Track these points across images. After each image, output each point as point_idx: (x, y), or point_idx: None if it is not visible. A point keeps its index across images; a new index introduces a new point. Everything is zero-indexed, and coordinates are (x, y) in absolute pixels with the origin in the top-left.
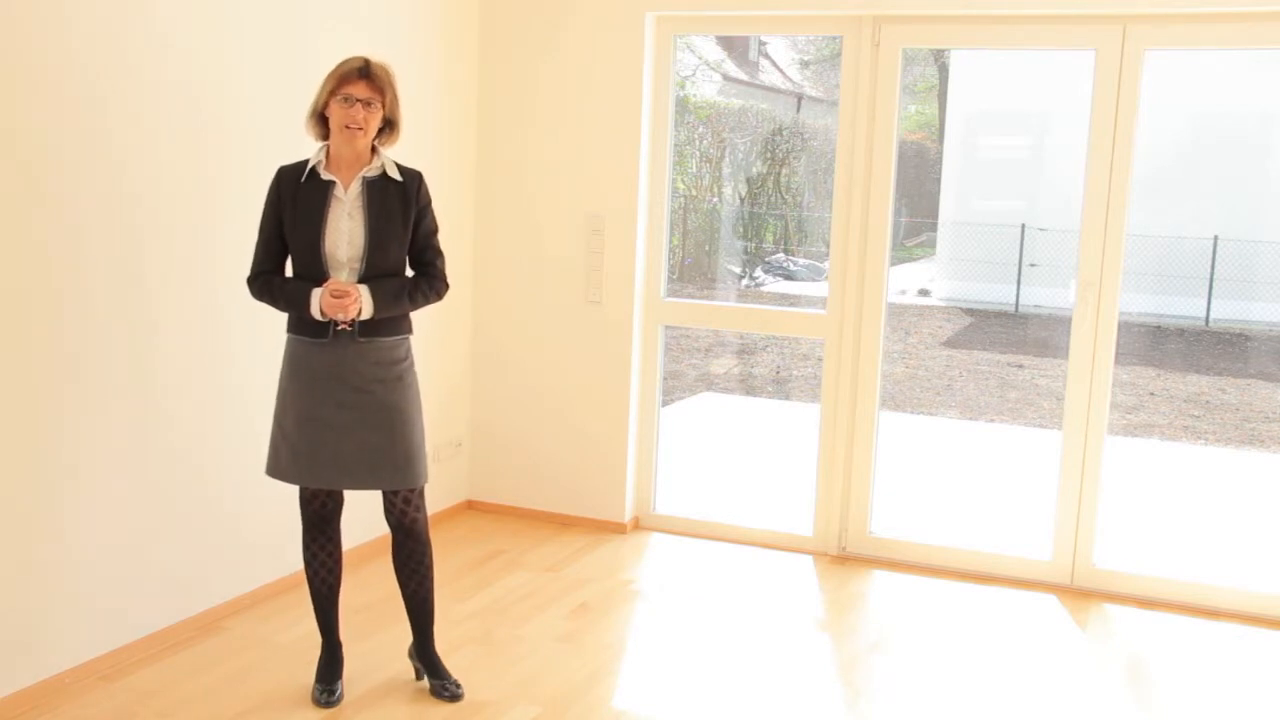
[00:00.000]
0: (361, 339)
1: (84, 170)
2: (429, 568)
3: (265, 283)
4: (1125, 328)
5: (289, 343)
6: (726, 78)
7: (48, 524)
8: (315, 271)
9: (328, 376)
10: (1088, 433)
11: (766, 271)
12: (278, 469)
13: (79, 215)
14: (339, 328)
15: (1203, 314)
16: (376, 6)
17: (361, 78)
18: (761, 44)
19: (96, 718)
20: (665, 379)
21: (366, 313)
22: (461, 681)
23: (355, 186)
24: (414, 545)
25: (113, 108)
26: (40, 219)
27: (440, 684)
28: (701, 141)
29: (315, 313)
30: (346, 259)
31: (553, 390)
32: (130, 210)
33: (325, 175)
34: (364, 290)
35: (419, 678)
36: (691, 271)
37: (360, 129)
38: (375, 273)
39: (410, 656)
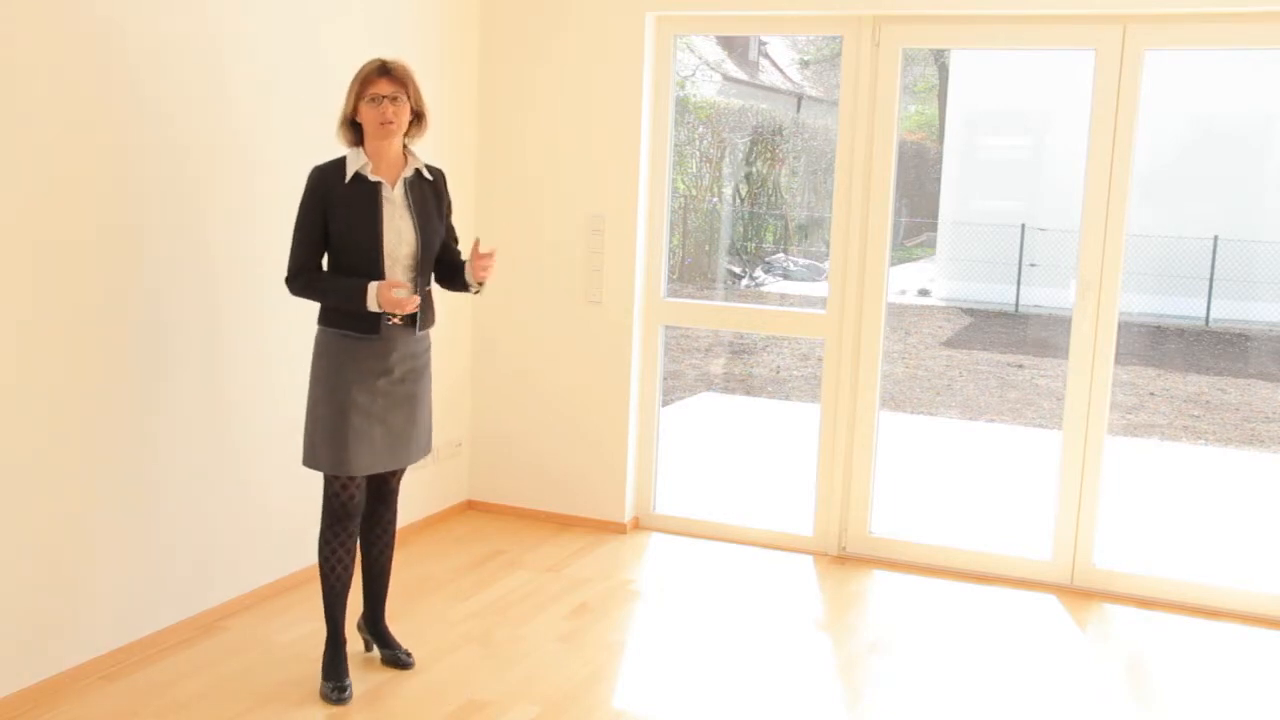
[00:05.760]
0: (419, 332)
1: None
2: (393, 536)
3: (309, 280)
4: (1125, 328)
5: (326, 335)
6: (726, 78)
7: (48, 525)
8: (371, 269)
9: (373, 370)
10: (1088, 433)
11: (766, 271)
12: (323, 460)
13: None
14: (390, 321)
15: (1203, 314)
16: (377, 7)
17: (383, 75)
18: (761, 44)
19: (96, 718)
20: (665, 379)
21: (409, 308)
22: (461, 681)
23: (399, 187)
24: (384, 511)
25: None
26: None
27: (392, 653)
28: (701, 141)
29: (372, 305)
30: (402, 256)
31: (553, 390)
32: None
33: (373, 177)
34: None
35: (368, 649)
36: (691, 271)
37: (393, 124)
38: (425, 267)
39: (360, 629)
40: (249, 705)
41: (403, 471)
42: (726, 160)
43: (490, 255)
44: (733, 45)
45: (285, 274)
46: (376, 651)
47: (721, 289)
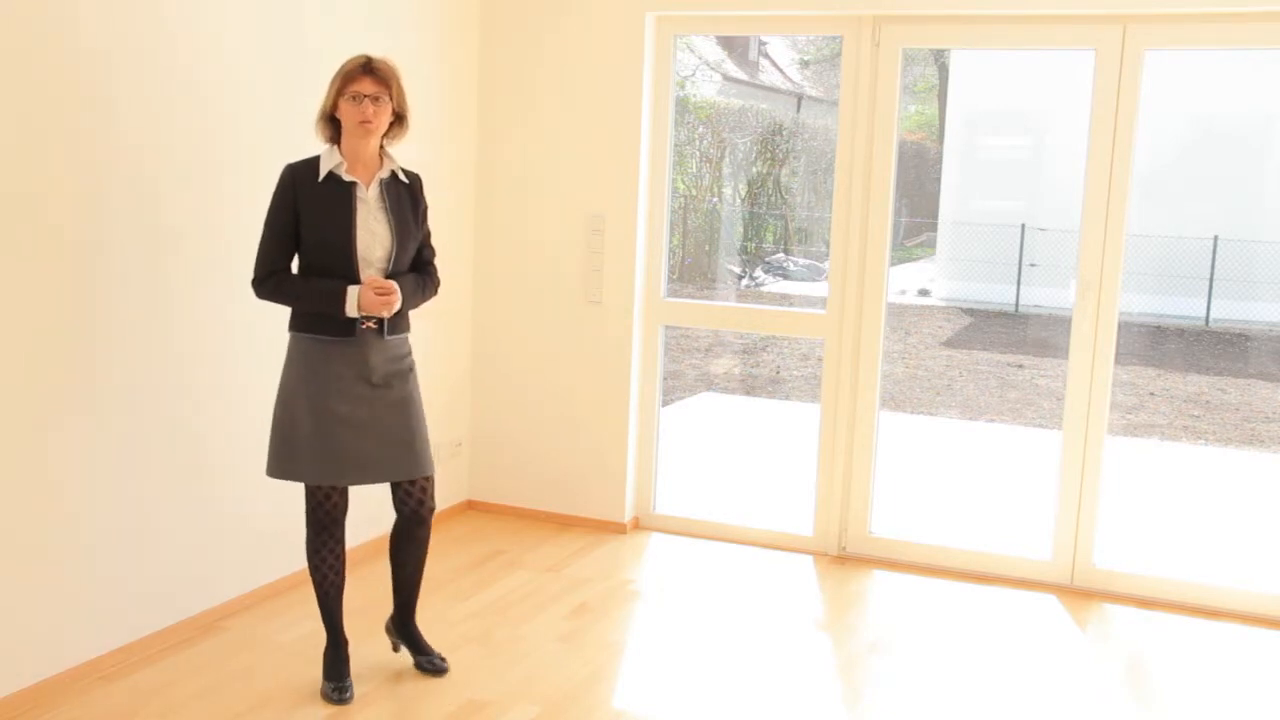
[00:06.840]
0: (389, 336)
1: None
2: (425, 554)
3: (279, 283)
4: (1125, 328)
5: (300, 341)
6: (726, 78)
7: (48, 524)
8: (344, 272)
9: (350, 375)
10: (1088, 433)
11: (766, 271)
12: (290, 470)
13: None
14: (363, 325)
15: (1203, 314)
16: (377, 7)
17: (366, 73)
18: (761, 44)
19: (96, 718)
20: (665, 379)
21: (395, 306)
22: (461, 681)
23: (374, 188)
24: (420, 530)
25: (123, 107)
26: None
27: (426, 659)
28: (701, 141)
29: (352, 310)
30: (376, 258)
31: (553, 390)
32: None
33: (347, 177)
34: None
35: (396, 650)
36: (691, 271)
37: (371, 124)
38: (398, 270)
39: (388, 632)
40: (249, 705)
41: (429, 488)
42: (726, 160)
43: (387, 293)
44: (733, 45)
45: (252, 276)
46: (406, 653)
47: (721, 289)
